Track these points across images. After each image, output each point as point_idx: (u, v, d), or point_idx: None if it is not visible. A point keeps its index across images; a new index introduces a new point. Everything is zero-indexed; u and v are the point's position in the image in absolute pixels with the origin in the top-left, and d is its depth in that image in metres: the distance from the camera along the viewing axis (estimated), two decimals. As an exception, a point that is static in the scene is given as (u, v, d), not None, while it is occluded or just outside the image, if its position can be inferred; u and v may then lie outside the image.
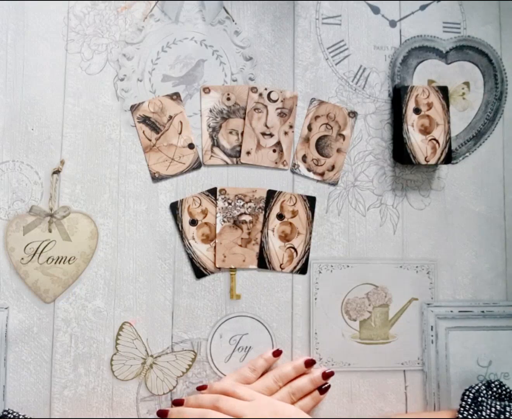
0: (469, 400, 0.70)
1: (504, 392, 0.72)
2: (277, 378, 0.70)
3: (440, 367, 0.75)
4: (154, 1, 0.74)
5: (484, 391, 0.71)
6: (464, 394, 0.72)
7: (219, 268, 0.73)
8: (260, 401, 0.66)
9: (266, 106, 0.75)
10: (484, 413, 0.68)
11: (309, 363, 0.72)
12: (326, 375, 0.71)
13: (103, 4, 0.73)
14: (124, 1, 0.73)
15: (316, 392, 0.71)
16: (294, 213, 0.74)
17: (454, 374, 0.75)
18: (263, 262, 0.73)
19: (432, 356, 0.75)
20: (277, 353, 0.72)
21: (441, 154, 0.74)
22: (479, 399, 0.70)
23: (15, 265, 0.69)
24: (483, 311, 0.76)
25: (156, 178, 0.73)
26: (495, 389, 0.72)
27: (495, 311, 0.77)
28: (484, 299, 0.77)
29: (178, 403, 0.70)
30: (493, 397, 0.71)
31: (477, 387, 0.72)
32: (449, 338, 0.75)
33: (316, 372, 0.71)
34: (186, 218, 0.73)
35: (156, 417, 0.71)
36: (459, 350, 0.75)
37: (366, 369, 0.74)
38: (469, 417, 0.68)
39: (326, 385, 0.72)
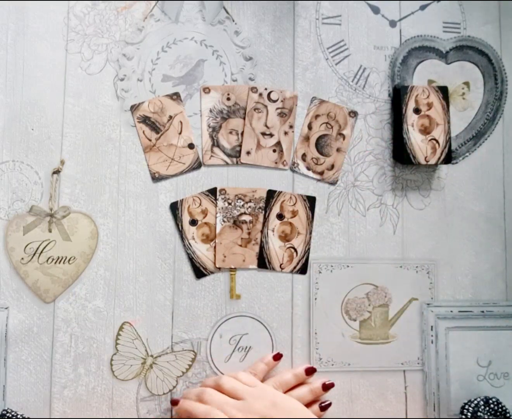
0: (469, 414, 0.72)
1: (500, 410, 0.72)
2: (277, 385, 0.69)
3: (440, 367, 0.75)
4: (154, 1, 0.74)
5: (482, 407, 0.72)
6: (463, 408, 0.73)
7: (219, 268, 0.73)
8: (259, 391, 0.66)
9: (266, 106, 0.75)
10: None
11: (310, 371, 0.71)
12: (326, 387, 0.71)
13: (103, 4, 0.73)
14: (124, 1, 0.73)
15: (317, 407, 0.70)
16: (294, 213, 0.74)
17: (454, 374, 0.75)
18: (263, 262, 0.73)
19: (432, 356, 0.75)
20: (277, 357, 0.72)
21: (441, 154, 0.74)
22: (478, 414, 0.71)
23: (15, 265, 0.69)
24: (483, 311, 0.76)
25: (156, 178, 0.73)
26: (492, 405, 0.73)
27: (495, 311, 0.77)
28: (484, 299, 0.77)
29: (175, 402, 0.69)
30: (489, 414, 0.72)
31: (476, 402, 0.73)
32: (449, 338, 0.75)
33: (316, 382, 0.71)
34: (186, 218, 0.73)
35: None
36: (459, 350, 0.75)
37: (366, 369, 0.74)
38: None
39: (326, 403, 0.71)
